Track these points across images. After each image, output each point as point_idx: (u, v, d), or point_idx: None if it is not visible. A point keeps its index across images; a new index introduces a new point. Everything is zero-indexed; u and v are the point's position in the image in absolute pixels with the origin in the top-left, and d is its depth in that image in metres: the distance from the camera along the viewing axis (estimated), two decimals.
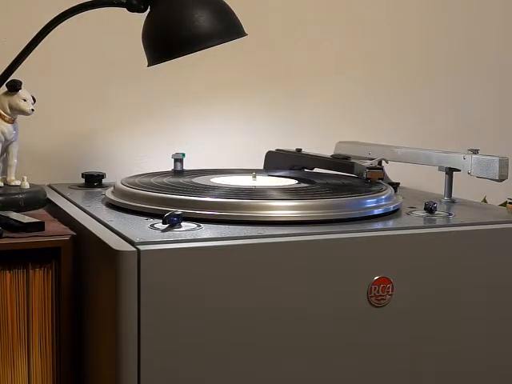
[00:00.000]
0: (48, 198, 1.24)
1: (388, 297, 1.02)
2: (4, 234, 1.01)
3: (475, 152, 1.25)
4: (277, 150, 1.52)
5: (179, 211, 1.00)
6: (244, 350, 0.96)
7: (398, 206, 1.17)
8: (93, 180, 1.38)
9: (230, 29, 1.14)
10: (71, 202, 1.22)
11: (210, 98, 1.59)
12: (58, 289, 1.02)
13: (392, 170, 1.44)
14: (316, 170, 1.46)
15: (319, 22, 1.68)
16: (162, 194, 1.10)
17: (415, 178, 1.57)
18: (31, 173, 1.36)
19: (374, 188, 1.20)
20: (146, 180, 1.24)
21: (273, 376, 0.97)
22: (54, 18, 1.16)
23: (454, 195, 1.29)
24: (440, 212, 1.15)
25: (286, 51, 1.65)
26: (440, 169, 1.29)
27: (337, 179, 1.31)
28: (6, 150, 1.23)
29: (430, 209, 1.13)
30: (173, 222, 0.99)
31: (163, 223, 0.99)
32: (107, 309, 0.94)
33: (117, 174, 1.40)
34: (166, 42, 1.12)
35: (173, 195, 1.09)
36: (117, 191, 1.18)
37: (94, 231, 1.00)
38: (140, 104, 1.54)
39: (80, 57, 1.48)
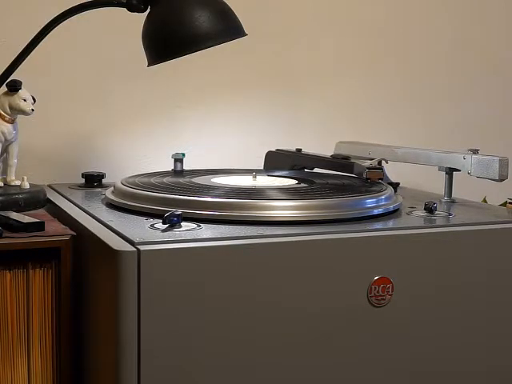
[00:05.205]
0: (48, 198, 1.24)
1: (388, 297, 1.02)
2: (4, 234, 1.01)
3: (475, 152, 1.25)
4: (277, 150, 1.52)
5: (179, 211, 1.00)
6: (244, 349, 0.96)
7: (398, 206, 1.17)
8: (93, 180, 1.38)
9: (230, 29, 1.14)
10: (71, 202, 1.22)
11: (209, 97, 1.59)
12: (58, 289, 1.02)
13: (392, 170, 1.44)
14: (316, 170, 1.46)
15: (319, 22, 1.68)
16: (161, 194, 1.10)
17: (415, 178, 1.57)
18: (31, 173, 1.36)
19: (373, 188, 1.20)
20: (145, 180, 1.24)
21: (273, 376, 0.97)
22: (54, 18, 1.16)
23: (454, 195, 1.29)
24: (440, 212, 1.15)
25: (285, 51, 1.65)
26: (440, 169, 1.29)
27: (337, 179, 1.30)
28: (5, 150, 1.23)
29: (429, 209, 1.13)
30: (173, 222, 0.99)
31: (163, 223, 0.99)
32: (107, 308, 0.94)
33: (117, 174, 1.40)
34: (166, 42, 1.12)
35: (173, 195, 1.09)
36: (117, 191, 1.18)
37: (94, 231, 1.00)
38: (140, 104, 1.54)
39: (80, 57, 1.48)
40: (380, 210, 1.12)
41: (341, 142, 1.54)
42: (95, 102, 1.51)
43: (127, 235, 0.95)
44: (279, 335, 0.97)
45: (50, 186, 1.38)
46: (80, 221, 1.07)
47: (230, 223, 1.02)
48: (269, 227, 1.02)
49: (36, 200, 1.20)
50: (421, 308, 1.04)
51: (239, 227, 1.01)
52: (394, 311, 1.02)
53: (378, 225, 1.07)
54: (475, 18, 1.84)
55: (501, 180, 1.20)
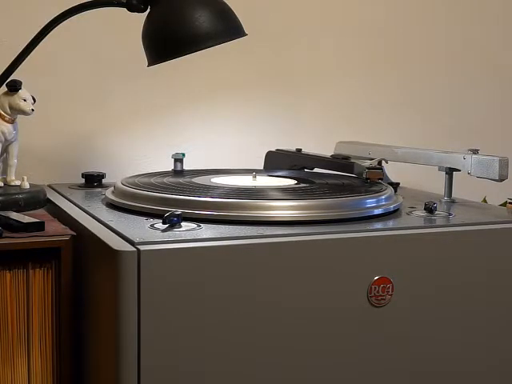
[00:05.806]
0: (48, 198, 1.24)
1: (388, 297, 1.02)
2: (4, 234, 1.01)
3: (475, 152, 1.25)
4: (277, 150, 1.52)
5: (179, 211, 1.00)
6: (244, 349, 0.96)
7: (398, 206, 1.17)
8: (93, 180, 1.38)
9: (230, 29, 1.14)
10: (71, 202, 1.22)
11: (209, 97, 1.59)
12: (58, 289, 1.02)
13: (392, 170, 1.44)
14: (316, 169, 1.46)
15: (319, 22, 1.68)
16: (162, 194, 1.10)
17: (415, 177, 1.57)
18: (31, 173, 1.36)
19: (373, 188, 1.20)
20: (146, 180, 1.24)
21: (273, 376, 0.97)
22: (54, 18, 1.16)
23: (454, 195, 1.29)
24: (440, 212, 1.15)
25: (285, 51, 1.65)
26: (440, 169, 1.29)
27: (337, 179, 1.31)
28: (6, 150, 1.23)
29: (429, 209, 1.13)
30: (173, 222, 0.99)
31: (163, 223, 0.99)
32: (107, 309, 0.94)
33: (117, 174, 1.40)
34: (166, 42, 1.12)
35: (173, 195, 1.09)
36: (117, 191, 1.18)
37: (94, 231, 1.00)
38: (140, 104, 1.54)
39: (80, 57, 1.48)
40: (380, 210, 1.12)
41: (341, 142, 1.54)
42: (95, 102, 1.51)
43: (127, 235, 0.95)
44: (279, 335, 0.97)
45: (50, 186, 1.38)
46: (80, 221, 1.07)
47: (230, 223, 1.02)
48: (269, 227, 1.02)
49: (36, 200, 1.20)
50: (421, 308, 1.04)
51: (239, 227, 1.01)
52: (394, 311, 1.02)
53: (378, 225, 1.07)
54: (475, 18, 1.84)
55: (501, 180, 1.20)
